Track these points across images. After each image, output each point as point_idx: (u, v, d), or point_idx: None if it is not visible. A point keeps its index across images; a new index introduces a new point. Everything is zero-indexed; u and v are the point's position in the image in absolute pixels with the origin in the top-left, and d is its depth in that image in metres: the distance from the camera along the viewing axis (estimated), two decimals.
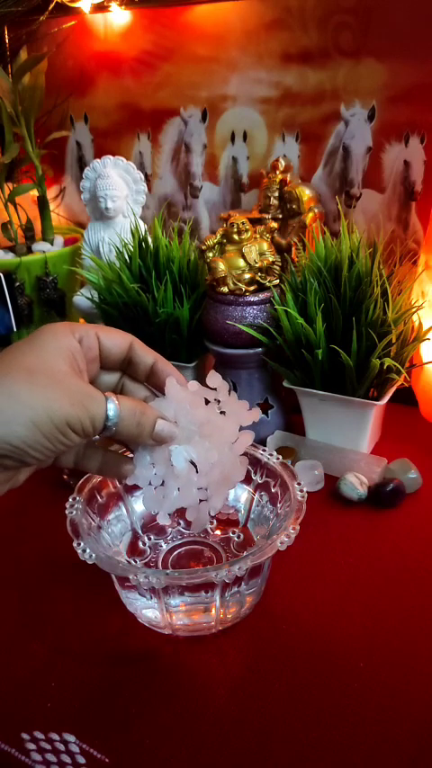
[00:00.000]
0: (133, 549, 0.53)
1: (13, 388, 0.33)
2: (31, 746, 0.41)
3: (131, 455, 0.43)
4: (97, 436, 0.37)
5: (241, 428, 0.43)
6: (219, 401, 0.43)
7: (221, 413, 0.43)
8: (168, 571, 0.43)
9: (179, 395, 0.42)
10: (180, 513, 0.56)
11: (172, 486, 0.42)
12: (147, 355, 0.42)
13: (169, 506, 0.42)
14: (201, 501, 0.42)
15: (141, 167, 0.95)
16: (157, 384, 0.42)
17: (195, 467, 0.42)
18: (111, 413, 0.36)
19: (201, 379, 0.53)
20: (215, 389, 0.43)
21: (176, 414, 0.41)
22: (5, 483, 0.37)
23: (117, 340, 0.40)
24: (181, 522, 0.56)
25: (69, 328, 0.38)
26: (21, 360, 0.34)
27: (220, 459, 0.42)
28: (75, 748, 0.41)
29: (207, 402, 0.43)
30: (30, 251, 0.97)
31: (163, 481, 0.42)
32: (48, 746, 0.41)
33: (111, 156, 0.84)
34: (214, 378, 0.43)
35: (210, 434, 0.42)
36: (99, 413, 0.36)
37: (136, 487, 0.53)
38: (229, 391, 0.43)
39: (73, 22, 0.92)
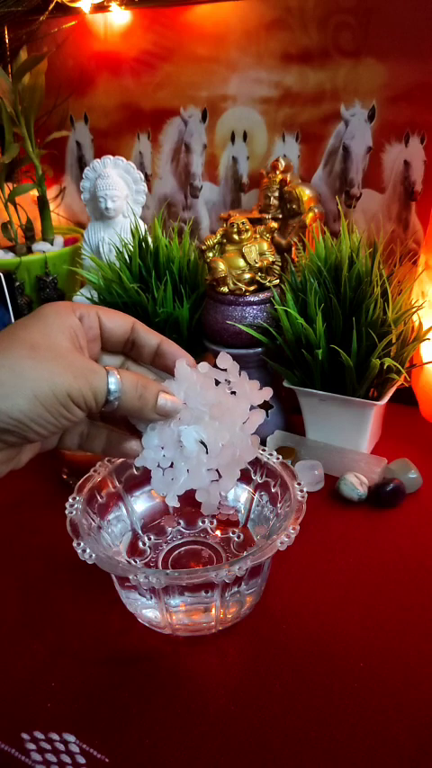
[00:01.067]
0: (133, 549, 0.53)
1: (16, 363, 0.33)
2: (31, 746, 0.41)
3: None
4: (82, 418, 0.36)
5: (252, 407, 0.43)
6: (229, 382, 0.43)
7: (232, 393, 0.42)
8: (168, 571, 0.43)
9: (189, 376, 0.41)
10: (178, 511, 0.56)
11: (181, 467, 0.41)
12: (151, 336, 0.41)
13: (179, 488, 0.41)
14: (211, 482, 0.42)
15: (141, 167, 0.95)
16: (163, 365, 0.42)
17: (206, 447, 0.41)
18: (112, 386, 0.36)
19: None
20: (225, 370, 0.43)
21: (187, 395, 0.41)
22: (8, 462, 0.37)
23: (118, 321, 0.40)
24: (181, 521, 0.56)
25: (71, 306, 0.38)
26: (23, 335, 0.35)
27: (231, 439, 0.41)
28: (75, 748, 0.41)
29: (217, 383, 0.42)
30: (30, 251, 0.97)
31: (172, 463, 0.42)
32: (48, 746, 0.41)
33: (111, 156, 0.84)
34: (224, 358, 0.43)
35: (220, 415, 0.41)
36: (101, 386, 0.36)
37: (136, 487, 0.54)
38: (240, 372, 0.43)
39: (73, 22, 0.92)
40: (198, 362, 0.42)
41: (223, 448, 0.41)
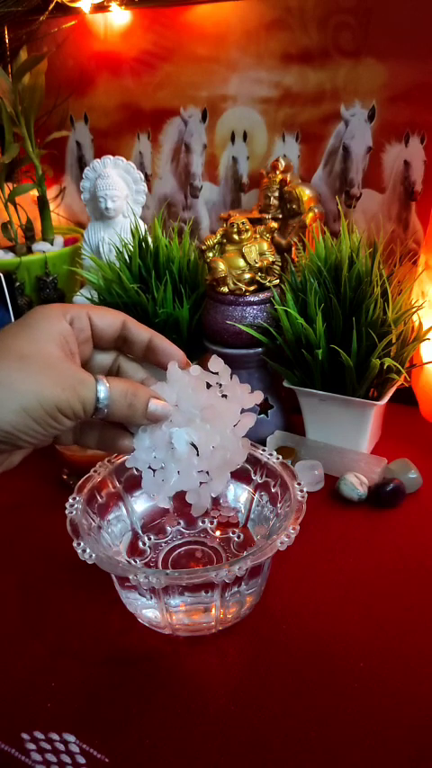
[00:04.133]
0: (133, 549, 0.53)
1: (6, 375, 0.33)
2: (31, 746, 0.41)
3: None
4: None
5: (243, 411, 0.43)
6: (220, 385, 0.43)
7: (223, 396, 0.43)
8: (168, 571, 0.43)
9: (181, 379, 0.41)
10: (179, 511, 0.56)
11: (172, 469, 0.41)
12: (142, 332, 0.41)
13: (169, 490, 0.42)
14: (201, 484, 0.42)
15: (141, 167, 0.95)
16: (155, 361, 0.42)
17: (197, 449, 0.41)
18: (101, 395, 0.37)
19: None
20: (217, 374, 0.43)
21: (178, 397, 0.41)
22: (0, 464, 0.38)
23: (109, 319, 0.40)
24: (181, 521, 0.56)
25: (61, 311, 0.38)
26: (13, 345, 0.35)
27: (222, 442, 0.42)
28: (75, 748, 0.41)
29: (209, 386, 0.42)
30: (30, 251, 0.97)
31: (162, 465, 0.42)
32: (48, 746, 0.41)
33: (111, 156, 0.84)
34: (216, 362, 0.43)
35: (211, 418, 0.41)
36: (89, 396, 0.36)
37: (136, 487, 0.54)
38: (231, 375, 0.43)
39: (73, 22, 0.92)
40: (197, 362, 0.42)
41: (214, 450, 0.41)
